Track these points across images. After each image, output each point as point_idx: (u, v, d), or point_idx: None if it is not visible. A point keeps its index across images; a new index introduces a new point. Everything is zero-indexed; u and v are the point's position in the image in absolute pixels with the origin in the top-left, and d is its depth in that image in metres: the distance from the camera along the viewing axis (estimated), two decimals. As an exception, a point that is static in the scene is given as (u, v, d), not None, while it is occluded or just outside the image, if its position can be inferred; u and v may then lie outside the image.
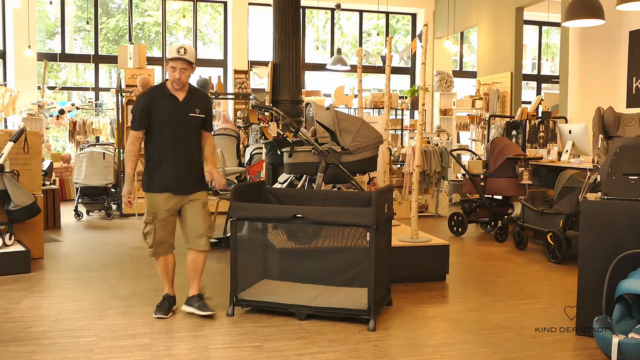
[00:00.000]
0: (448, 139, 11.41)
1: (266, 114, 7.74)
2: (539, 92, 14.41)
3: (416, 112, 12.79)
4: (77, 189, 8.58)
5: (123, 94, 9.29)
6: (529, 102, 10.89)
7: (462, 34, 14.41)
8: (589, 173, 4.05)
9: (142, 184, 4.00)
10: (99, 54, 12.81)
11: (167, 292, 4.05)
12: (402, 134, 12.40)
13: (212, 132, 4.16)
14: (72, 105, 11.48)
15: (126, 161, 3.96)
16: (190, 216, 3.95)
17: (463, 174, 7.59)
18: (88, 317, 3.94)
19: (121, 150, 9.17)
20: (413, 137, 11.05)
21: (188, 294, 4.04)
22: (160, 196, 3.90)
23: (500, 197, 7.38)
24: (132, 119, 3.94)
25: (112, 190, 8.98)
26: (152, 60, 12.33)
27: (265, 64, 10.57)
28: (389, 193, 4.21)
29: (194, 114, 3.93)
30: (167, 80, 3.99)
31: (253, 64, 12.35)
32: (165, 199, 3.90)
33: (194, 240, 3.97)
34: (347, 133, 5.19)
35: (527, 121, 8.68)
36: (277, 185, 6.06)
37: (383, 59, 6.42)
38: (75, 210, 8.40)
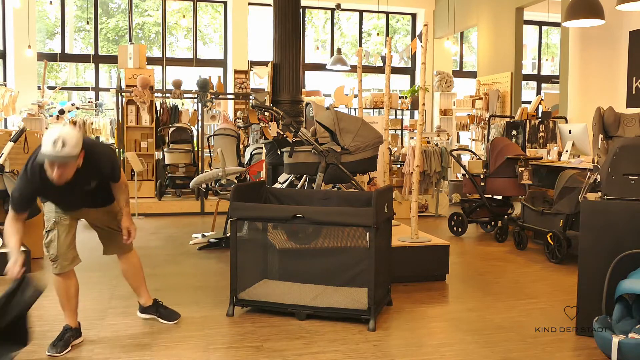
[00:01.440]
0: (448, 139, 11.41)
1: (266, 114, 7.74)
2: (539, 92, 14.41)
3: (416, 112, 12.80)
4: (77, 189, 8.56)
5: (123, 94, 9.29)
6: (529, 102, 10.89)
7: (462, 34, 14.42)
8: (589, 173, 4.05)
9: None
10: (99, 54, 12.81)
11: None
12: (402, 134, 12.40)
13: (119, 180, 3.61)
14: (72, 105, 11.49)
15: (7, 237, 3.31)
16: (102, 222, 3.77)
17: (463, 174, 7.59)
18: (88, 317, 3.94)
19: (121, 150, 9.18)
20: (413, 137, 11.06)
21: (140, 302, 3.91)
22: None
23: (500, 197, 7.38)
24: (12, 198, 3.32)
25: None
26: (152, 60, 12.34)
27: (265, 64, 10.57)
28: (389, 193, 4.21)
29: (88, 187, 3.40)
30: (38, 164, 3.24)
31: (253, 64, 12.35)
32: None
33: (114, 247, 3.80)
34: (347, 133, 5.19)
35: (527, 121, 8.68)
36: (277, 185, 6.06)
37: (383, 59, 6.42)
38: (75, 210, 8.38)
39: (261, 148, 7.90)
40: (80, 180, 3.26)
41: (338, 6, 13.20)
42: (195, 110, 10.50)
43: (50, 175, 3.09)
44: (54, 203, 3.47)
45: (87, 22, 12.97)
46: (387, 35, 14.06)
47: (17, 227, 3.29)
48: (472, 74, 13.65)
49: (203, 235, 6.56)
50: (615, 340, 2.98)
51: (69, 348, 3.40)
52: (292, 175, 5.66)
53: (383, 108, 8.98)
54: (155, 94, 9.81)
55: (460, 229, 7.34)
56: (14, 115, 10.51)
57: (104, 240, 3.83)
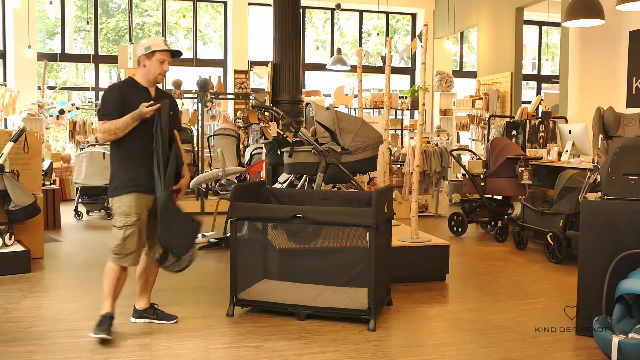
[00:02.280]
0: (448, 139, 11.41)
1: (266, 114, 7.75)
2: (539, 92, 14.41)
3: (416, 112, 12.79)
4: (77, 189, 8.58)
5: (123, 94, 9.27)
6: (529, 102, 10.89)
7: (462, 34, 14.41)
8: (589, 173, 4.05)
9: (118, 189, 3.62)
10: (99, 54, 12.81)
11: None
12: (402, 134, 12.40)
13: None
14: (72, 105, 11.48)
15: (115, 127, 3.47)
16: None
17: (463, 174, 7.59)
18: (88, 317, 3.94)
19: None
20: (413, 137, 11.06)
21: (139, 306, 3.89)
22: (139, 196, 3.61)
23: (500, 197, 7.38)
24: (102, 108, 3.56)
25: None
26: (152, 60, 12.31)
27: (265, 64, 10.57)
28: (389, 193, 4.21)
29: (171, 112, 3.67)
30: (130, 77, 3.71)
31: (253, 64, 12.35)
32: (142, 198, 3.62)
33: (157, 245, 3.75)
34: (347, 133, 5.19)
35: (527, 121, 8.68)
36: (277, 185, 6.06)
37: (383, 59, 6.42)
38: (75, 210, 8.40)
39: (261, 148, 7.90)
40: (160, 98, 3.61)
41: (338, 6, 13.20)
42: (195, 110, 10.50)
43: (161, 70, 3.59)
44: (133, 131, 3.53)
45: (87, 22, 12.97)
46: (387, 35, 14.06)
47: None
48: (472, 74, 13.65)
49: (203, 235, 6.56)
50: (615, 340, 2.98)
51: (111, 335, 3.51)
52: (292, 175, 5.66)
53: (383, 108, 8.98)
54: (155, 94, 9.79)
55: (460, 229, 7.33)
56: (14, 115, 10.51)
57: (151, 234, 3.74)
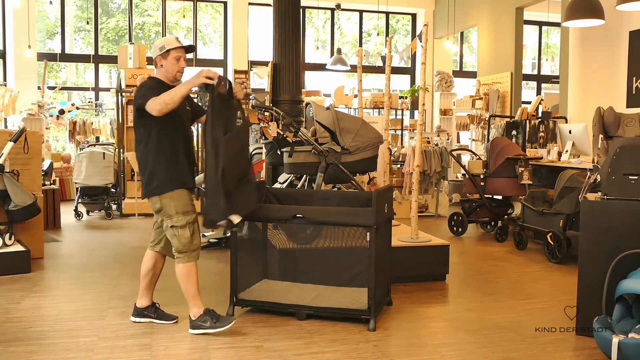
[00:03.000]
0: (448, 139, 11.41)
1: (266, 114, 7.74)
2: (539, 92, 14.41)
3: (416, 112, 12.80)
4: (77, 189, 8.58)
5: (123, 94, 9.29)
6: (529, 102, 10.89)
7: (462, 34, 14.41)
8: (589, 173, 4.05)
9: (161, 185, 3.61)
10: (99, 54, 12.81)
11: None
12: (402, 134, 12.40)
13: None
14: (72, 105, 11.49)
15: (168, 95, 3.43)
16: None
17: (463, 174, 7.59)
18: (88, 317, 3.94)
19: (121, 150, 9.18)
20: (413, 137, 11.06)
21: (140, 304, 3.87)
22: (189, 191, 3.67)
23: (500, 197, 7.38)
24: (142, 93, 3.52)
25: (112, 190, 8.98)
26: (152, 60, 12.33)
27: (265, 64, 10.56)
28: (389, 193, 4.21)
29: (188, 108, 3.78)
30: (152, 76, 3.73)
31: (253, 64, 12.35)
32: (187, 195, 3.67)
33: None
34: (347, 133, 5.19)
35: (527, 121, 8.68)
36: (277, 185, 6.06)
37: (383, 59, 6.42)
38: (75, 210, 8.40)
39: (261, 148, 7.90)
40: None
41: (338, 6, 13.20)
42: (195, 110, 10.47)
43: (178, 67, 3.63)
44: (171, 128, 3.59)
45: (87, 22, 12.97)
46: (387, 35, 14.05)
47: None
48: (472, 74, 13.65)
49: (203, 235, 6.57)
50: (615, 340, 2.98)
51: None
52: (292, 175, 5.66)
53: (383, 108, 8.98)
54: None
55: (460, 229, 7.33)
56: (14, 115, 10.51)
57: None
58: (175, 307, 4.08)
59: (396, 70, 13.86)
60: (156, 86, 3.57)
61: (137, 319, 3.85)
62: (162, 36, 13.00)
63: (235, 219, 3.54)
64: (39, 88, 11.43)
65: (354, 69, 11.93)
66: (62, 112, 10.95)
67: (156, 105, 3.42)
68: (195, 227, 3.66)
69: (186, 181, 3.65)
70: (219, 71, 12.79)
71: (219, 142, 3.46)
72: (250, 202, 3.72)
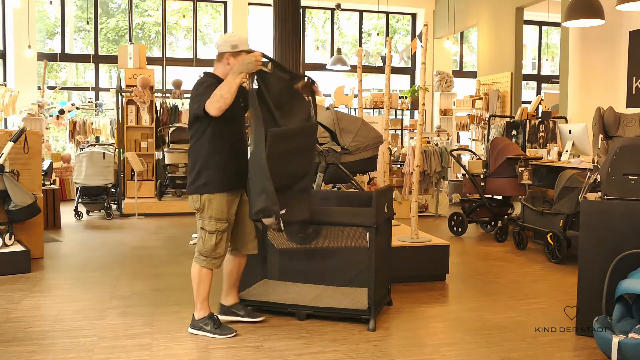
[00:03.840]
0: (448, 139, 11.41)
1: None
2: (539, 92, 14.42)
3: (416, 112, 12.80)
4: (77, 189, 8.59)
5: (123, 94, 9.29)
6: (529, 102, 10.89)
7: (462, 34, 14.42)
8: (589, 173, 4.05)
9: (206, 185, 3.52)
10: (99, 54, 12.81)
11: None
12: (402, 134, 12.40)
13: None
14: (72, 105, 11.49)
15: (223, 89, 3.36)
16: (243, 217, 3.69)
17: (463, 174, 7.59)
18: (88, 317, 3.94)
19: (121, 150, 9.18)
20: (413, 137, 11.06)
21: (227, 302, 3.84)
22: (230, 196, 3.57)
23: (500, 197, 7.38)
24: (199, 92, 3.47)
25: (112, 190, 8.99)
26: (152, 60, 12.34)
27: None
28: (389, 193, 4.21)
29: (242, 104, 3.62)
30: (209, 73, 3.63)
31: (253, 64, 12.32)
32: (233, 199, 3.60)
33: (246, 244, 3.75)
34: (347, 133, 5.19)
35: (527, 121, 8.68)
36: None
37: (383, 59, 6.43)
38: (75, 210, 8.40)
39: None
40: (241, 92, 3.52)
41: (338, 6, 13.20)
42: (195, 110, 10.47)
43: None
44: (226, 127, 3.50)
45: (87, 22, 12.97)
46: (387, 35, 14.05)
47: None
48: (472, 74, 13.65)
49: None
50: (615, 340, 2.98)
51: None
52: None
53: (383, 108, 8.98)
54: (155, 94, 9.81)
55: (460, 229, 7.33)
56: (14, 115, 10.51)
57: (239, 233, 3.74)
58: (175, 307, 4.08)
59: (396, 70, 13.87)
60: (215, 84, 3.44)
61: (223, 317, 3.78)
62: (162, 36, 13.00)
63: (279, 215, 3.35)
64: (39, 88, 11.43)
65: (354, 69, 11.93)
66: (62, 112, 10.95)
67: (214, 104, 3.33)
68: (224, 236, 3.57)
69: (232, 184, 3.56)
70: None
71: (267, 132, 3.30)
72: (298, 211, 3.59)
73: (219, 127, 3.48)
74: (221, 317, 3.75)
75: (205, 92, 3.40)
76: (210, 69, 3.69)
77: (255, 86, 3.41)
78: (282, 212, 3.35)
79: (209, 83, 3.48)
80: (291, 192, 3.53)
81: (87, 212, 8.75)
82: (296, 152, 3.54)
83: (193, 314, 3.67)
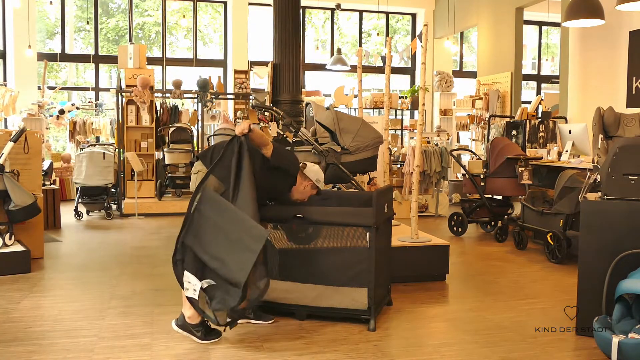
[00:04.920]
0: (448, 139, 11.41)
1: (266, 114, 7.75)
2: (539, 92, 14.41)
3: (416, 112, 12.80)
4: (77, 189, 8.59)
5: (123, 94, 9.29)
6: (529, 102, 10.89)
7: (462, 34, 14.41)
8: (589, 173, 4.05)
9: None
10: (99, 54, 12.81)
11: None
12: (402, 134, 12.40)
13: None
14: (72, 105, 11.49)
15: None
16: None
17: (463, 174, 7.59)
18: (88, 317, 3.94)
19: (121, 150, 9.18)
20: (413, 137, 11.06)
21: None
22: None
23: (500, 197, 7.38)
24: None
25: (112, 190, 8.99)
26: (152, 60, 12.34)
27: (265, 64, 10.57)
28: (389, 193, 4.21)
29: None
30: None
31: (253, 64, 12.35)
32: None
33: None
34: (347, 133, 5.19)
35: (527, 121, 8.68)
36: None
37: (383, 59, 6.42)
38: (75, 210, 8.40)
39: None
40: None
41: (338, 6, 13.20)
42: (195, 110, 10.50)
43: (309, 194, 3.91)
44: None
45: (87, 22, 12.97)
46: (387, 35, 14.05)
47: None
48: (472, 74, 13.65)
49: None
50: (615, 340, 2.98)
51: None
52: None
53: (383, 108, 8.98)
54: (155, 94, 9.81)
55: (460, 229, 7.33)
56: (14, 115, 10.51)
57: None
58: (175, 307, 4.08)
59: (396, 70, 13.87)
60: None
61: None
62: (162, 36, 13.00)
63: None
64: (39, 88, 11.43)
65: (354, 69, 11.93)
66: (62, 112, 10.95)
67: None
68: None
69: None
70: (219, 71, 12.83)
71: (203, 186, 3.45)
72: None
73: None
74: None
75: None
76: (210, 69, 3.69)
77: (236, 148, 3.48)
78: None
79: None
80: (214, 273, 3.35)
81: (87, 212, 8.75)
82: (217, 230, 3.37)
83: (182, 312, 3.61)
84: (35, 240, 5.67)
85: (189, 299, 3.36)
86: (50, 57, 12.26)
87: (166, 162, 9.28)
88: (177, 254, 3.46)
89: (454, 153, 7.84)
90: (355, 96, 12.03)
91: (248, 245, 3.25)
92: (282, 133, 6.19)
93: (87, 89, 13.23)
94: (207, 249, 3.33)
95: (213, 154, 3.63)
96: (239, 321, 3.68)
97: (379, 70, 12.48)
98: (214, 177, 3.51)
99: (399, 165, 9.57)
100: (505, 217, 7.14)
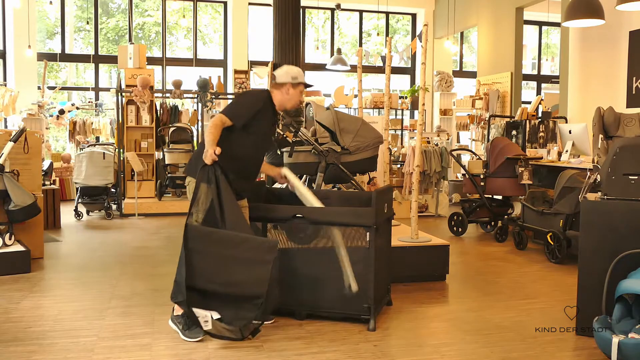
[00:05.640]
0: (448, 139, 11.41)
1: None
2: (539, 92, 14.42)
3: (416, 112, 12.79)
4: (77, 189, 8.59)
5: (123, 94, 9.29)
6: (529, 102, 10.89)
7: (462, 34, 14.42)
8: (589, 173, 4.05)
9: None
10: (99, 54, 12.81)
11: None
12: (402, 134, 12.40)
13: None
14: (72, 105, 11.49)
15: (212, 134, 3.51)
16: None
17: (463, 174, 7.59)
18: (88, 317, 3.94)
19: (121, 150, 9.18)
20: (413, 137, 11.06)
21: None
22: None
23: (500, 197, 7.38)
24: (233, 107, 3.71)
25: (112, 190, 8.99)
26: (152, 60, 12.34)
27: (265, 64, 10.57)
28: (389, 193, 4.21)
29: (273, 138, 3.94)
30: (266, 90, 3.87)
31: (253, 64, 12.35)
32: None
33: None
34: (347, 133, 5.18)
35: (527, 121, 8.68)
36: (277, 185, 6.06)
37: (383, 59, 6.42)
38: (75, 210, 8.40)
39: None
40: (276, 126, 3.88)
41: (338, 6, 13.20)
42: (195, 110, 10.50)
43: (298, 100, 3.79)
44: (250, 146, 3.66)
45: (87, 22, 12.97)
46: (387, 35, 14.05)
47: (217, 133, 3.52)
48: (472, 74, 13.65)
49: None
50: (615, 340, 2.98)
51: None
52: (292, 175, 5.65)
53: (383, 108, 8.98)
54: (155, 94, 9.81)
55: (460, 229, 7.33)
56: (14, 115, 10.51)
57: None
58: (175, 307, 4.08)
59: (396, 70, 13.87)
60: (257, 109, 3.65)
61: None
62: (162, 36, 13.00)
63: None
64: (39, 88, 11.43)
65: (354, 69, 11.93)
66: (62, 112, 10.95)
67: (214, 122, 3.55)
68: None
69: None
70: (219, 71, 12.82)
71: (187, 225, 3.44)
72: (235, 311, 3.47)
73: (237, 143, 3.62)
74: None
75: (235, 109, 3.64)
76: (210, 69, 3.70)
77: (212, 180, 3.46)
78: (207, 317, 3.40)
79: (253, 108, 3.66)
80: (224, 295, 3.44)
81: (87, 212, 8.75)
82: (223, 259, 3.45)
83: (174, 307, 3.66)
84: (35, 240, 5.67)
85: (208, 332, 3.41)
86: (50, 57, 12.26)
87: (166, 162, 9.28)
88: (177, 296, 3.44)
89: (454, 153, 7.84)
90: (355, 96, 12.02)
91: (261, 258, 3.38)
92: (282, 133, 6.19)
93: (87, 89, 13.23)
94: (215, 280, 3.42)
95: (197, 164, 3.57)
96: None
97: (379, 70, 12.47)
98: (196, 212, 3.51)
99: (399, 165, 9.57)
100: (505, 217, 7.14)
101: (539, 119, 8.87)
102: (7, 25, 11.70)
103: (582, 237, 3.63)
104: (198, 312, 3.39)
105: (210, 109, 10.63)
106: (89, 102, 12.19)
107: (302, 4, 10.08)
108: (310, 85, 3.94)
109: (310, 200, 3.91)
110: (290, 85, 3.80)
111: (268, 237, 3.53)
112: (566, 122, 8.35)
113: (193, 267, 3.41)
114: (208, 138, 3.48)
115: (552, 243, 5.81)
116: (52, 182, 9.11)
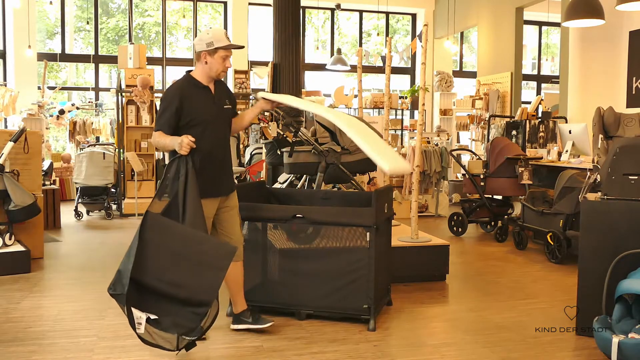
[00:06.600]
0: (448, 139, 11.41)
1: (266, 114, 7.75)
2: (539, 92, 14.41)
3: (416, 112, 12.79)
4: (77, 189, 8.59)
5: (123, 94, 9.29)
6: (529, 102, 10.88)
7: (462, 34, 14.42)
8: (589, 173, 4.05)
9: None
10: (99, 54, 12.81)
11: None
12: (402, 134, 12.40)
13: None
14: (72, 105, 11.49)
15: (162, 142, 3.37)
16: (227, 224, 3.59)
17: (463, 174, 7.59)
18: (88, 317, 3.94)
19: (121, 150, 9.18)
20: (413, 137, 11.06)
21: (235, 310, 3.72)
22: (206, 202, 3.38)
23: (500, 197, 7.38)
24: (158, 116, 3.41)
25: (112, 190, 8.99)
26: (152, 60, 12.34)
27: (265, 64, 10.56)
28: (389, 193, 4.21)
29: (226, 107, 3.53)
30: (190, 71, 3.51)
31: (253, 64, 12.35)
32: (209, 204, 3.44)
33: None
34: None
35: (527, 121, 8.68)
36: (277, 185, 6.06)
37: (383, 59, 6.43)
38: (75, 210, 8.40)
39: (261, 148, 7.90)
40: (219, 93, 3.51)
41: (338, 6, 13.20)
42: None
43: (223, 67, 3.41)
44: (198, 136, 3.33)
45: (87, 22, 12.97)
46: (387, 35, 14.05)
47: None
48: (472, 74, 13.65)
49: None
50: (615, 340, 2.98)
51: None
52: (292, 175, 5.66)
53: (383, 108, 8.98)
54: (155, 94, 9.81)
55: (460, 229, 7.33)
56: (14, 115, 10.51)
57: (228, 231, 3.64)
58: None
59: (396, 70, 13.86)
60: (176, 107, 3.35)
61: (236, 326, 3.69)
62: (162, 36, 13.00)
63: None
64: (39, 88, 11.43)
65: (354, 69, 11.92)
66: (62, 112, 10.95)
67: (154, 139, 3.42)
68: None
69: (207, 190, 3.41)
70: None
71: (147, 212, 3.33)
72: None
73: (193, 133, 3.34)
74: (234, 327, 3.69)
75: (160, 119, 3.39)
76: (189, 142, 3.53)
77: (182, 173, 3.28)
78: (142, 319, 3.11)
79: (171, 109, 3.35)
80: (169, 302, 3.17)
81: (87, 212, 8.75)
82: (175, 257, 3.22)
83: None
84: (35, 240, 5.67)
85: (140, 337, 3.13)
86: (50, 57, 12.26)
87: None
88: (117, 287, 3.23)
89: (454, 153, 7.84)
90: (355, 96, 12.02)
91: (217, 263, 3.15)
92: (282, 133, 6.19)
93: (87, 89, 13.23)
94: (163, 277, 3.16)
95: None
96: (240, 327, 3.67)
97: (379, 70, 12.47)
98: (159, 201, 3.37)
99: (399, 165, 9.54)
100: (505, 217, 7.14)
101: (539, 119, 8.87)
102: (7, 25, 11.70)
103: (582, 237, 3.63)
104: (133, 311, 3.14)
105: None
106: (89, 102, 12.19)
107: (302, 4, 10.08)
108: (238, 47, 3.44)
109: (297, 103, 3.73)
110: (207, 53, 3.38)
111: (227, 242, 3.32)
112: (566, 122, 8.35)
113: (144, 259, 3.18)
114: (165, 142, 3.32)
115: (552, 243, 5.81)
116: (52, 182, 9.11)
